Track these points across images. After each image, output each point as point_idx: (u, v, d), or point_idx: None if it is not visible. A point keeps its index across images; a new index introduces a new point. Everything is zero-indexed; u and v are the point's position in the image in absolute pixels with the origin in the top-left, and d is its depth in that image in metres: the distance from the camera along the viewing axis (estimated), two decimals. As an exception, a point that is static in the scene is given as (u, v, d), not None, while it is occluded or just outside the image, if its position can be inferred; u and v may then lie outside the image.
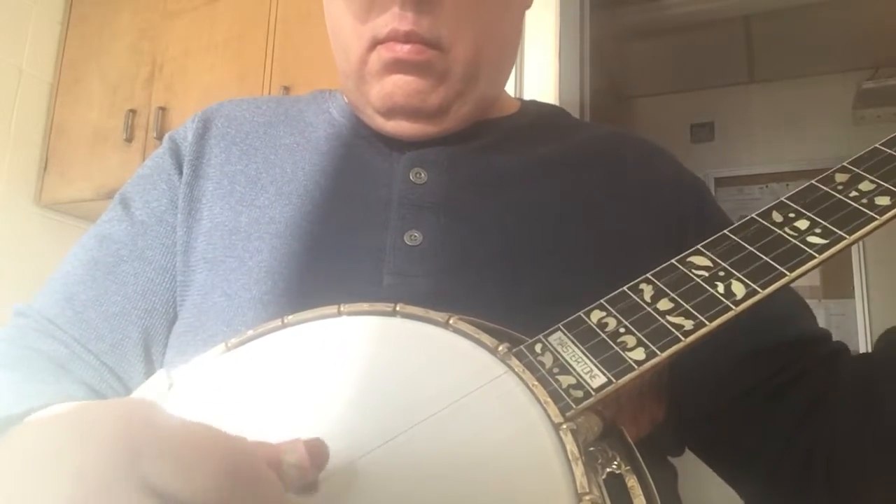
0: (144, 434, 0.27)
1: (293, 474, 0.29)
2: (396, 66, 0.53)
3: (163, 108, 1.94)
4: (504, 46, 0.59)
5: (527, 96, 1.27)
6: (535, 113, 0.65)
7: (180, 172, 0.59)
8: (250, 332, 0.41)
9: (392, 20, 0.52)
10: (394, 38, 0.52)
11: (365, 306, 0.41)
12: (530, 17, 1.60)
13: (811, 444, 0.48)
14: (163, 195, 0.58)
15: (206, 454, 0.27)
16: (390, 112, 0.55)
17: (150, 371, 0.54)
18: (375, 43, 0.54)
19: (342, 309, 0.41)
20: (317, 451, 0.31)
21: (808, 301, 0.56)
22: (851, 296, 2.64)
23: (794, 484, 0.49)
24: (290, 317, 0.41)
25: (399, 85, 0.54)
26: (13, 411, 0.36)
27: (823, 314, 2.57)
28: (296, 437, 0.30)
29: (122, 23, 2.10)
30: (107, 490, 0.25)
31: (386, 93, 0.54)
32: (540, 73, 1.57)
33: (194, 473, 0.26)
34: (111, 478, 0.25)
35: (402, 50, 0.52)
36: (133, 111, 1.98)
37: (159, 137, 1.89)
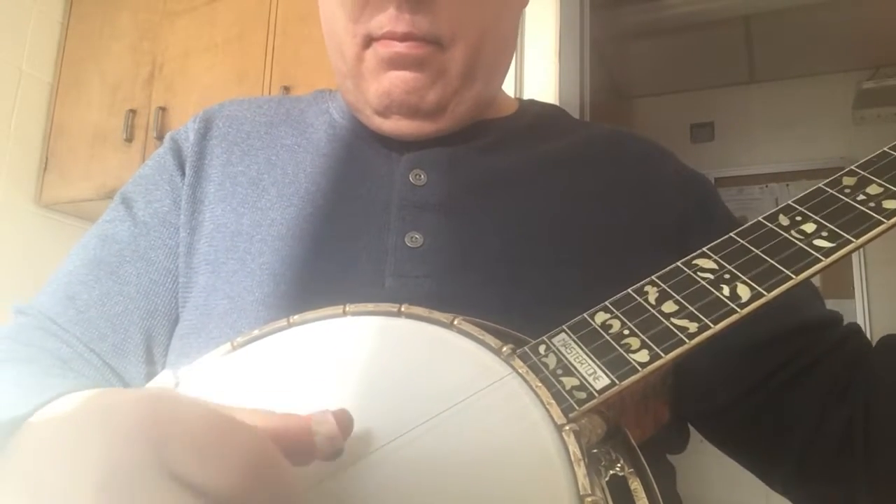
0: (169, 422, 0.27)
1: (325, 444, 0.31)
2: (393, 61, 0.53)
3: (163, 108, 1.94)
4: (502, 46, 0.59)
5: (527, 96, 1.27)
6: (535, 113, 0.65)
7: (182, 173, 0.59)
8: (256, 332, 0.41)
9: (388, 22, 0.52)
10: (390, 38, 0.52)
11: (370, 307, 0.41)
12: (530, 17, 1.61)
13: (847, 418, 0.48)
14: (166, 196, 0.58)
15: (231, 445, 0.27)
16: (388, 110, 0.55)
17: (151, 373, 0.54)
18: (370, 40, 0.54)
19: (347, 309, 0.41)
20: (344, 420, 0.32)
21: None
22: (851, 296, 2.64)
23: (830, 462, 0.49)
24: (295, 317, 0.41)
25: (396, 83, 0.54)
26: (38, 400, 0.36)
27: (823, 314, 2.56)
28: (323, 409, 0.32)
29: (122, 23, 2.10)
30: (132, 477, 0.25)
31: (384, 90, 0.54)
32: (540, 73, 1.57)
33: (219, 464, 0.26)
34: (137, 465, 0.26)
35: (400, 45, 0.52)
36: (133, 111, 1.98)
37: (159, 137, 1.89)
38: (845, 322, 0.54)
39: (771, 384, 0.51)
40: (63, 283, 0.55)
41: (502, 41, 0.59)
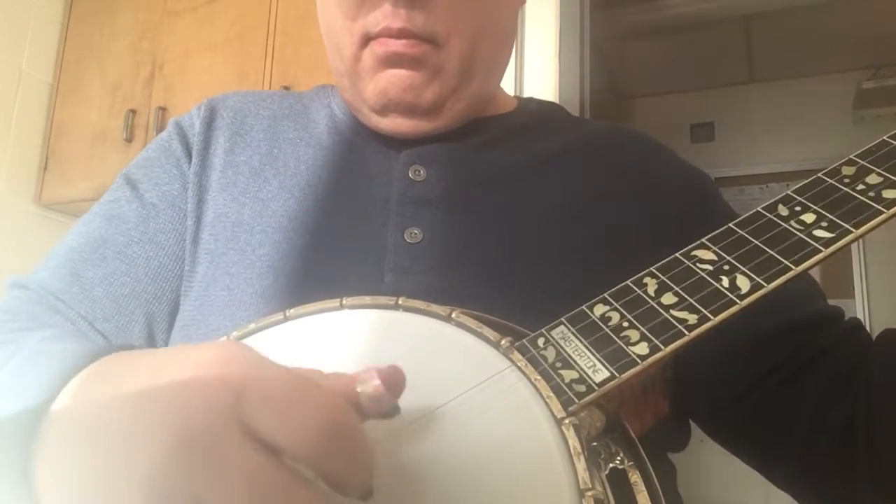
0: (247, 377, 0.27)
1: (370, 405, 0.30)
2: (390, 60, 0.53)
3: (163, 108, 1.94)
4: (499, 43, 0.59)
5: (526, 96, 1.28)
6: (534, 110, 0.65)
7: (189, 160, 0.58)
8: (252, 326, 0.41)
9: (384, 18, 0.52)
10: (387, 34, 0.52)
11: (367, 300, 0.41)
12: (530, 17, 1.61)
13: (849, 412, 0.48)
14: (174, 180, 0.58)
15: (307, 405, 0.27)
16: (385, 108, 0.55)
17: None
18: (367, 39, 0.54)
19: (344, 302, 0.41)
20: (391, 378, 0.31)
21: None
22: (851, 296, 2.64)
23: (832, 457, 0.49)
24: (291, 310, 0.41)
25: (393, 81, 0.53)
26: (81, 356, 0.34)
27: (824, 314, 2.57)
28: (370, 367, 0.31)
29: (122, 23, 2.10)
30: (211, 437, 0.25)
31: (380, 89, 0.54)
32: (540, 73, 1.57)
33: (296, 425, 0.26)
34: (215, 425, 0.26)
35: (396, 43, 0.52)
36: (133, 111, 1.98)
37: (159, 137, 1.89)
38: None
39: (772, 380, 0.51)
40: (65, 259, 0.54)
41: (499, 38, 0.59)
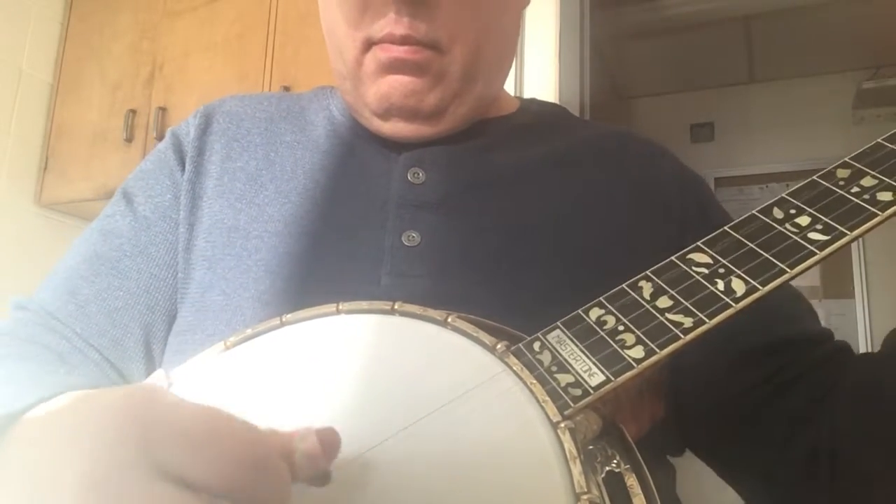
0: (156, 417, 0.27)
1: (305, 464, 0.29)
2: (393, 65, 0.53)
3: (163, 108, 1.94)
4: (502, 46, 0.59)
5: (527, 96, 1.27)
6: (535, 112, 0.65)
7: (183, 168, 0.59)
8: (249, 331, 0.41)
9: (387, 25, 0.52)
10: (390, 41, 0.52)
11: (364, 305, 0.41)
12: (530, 17, 1.61)
13: (815, 442, 0.47)
14: (166, 191, 0.58)
15: (222, 438, 0.27)
16: (387, 113, 0.55)
17: (150, 368, 0.54)
18: (370, 44, 0.54)
19: (341, 307, 0.41)
20: (329, 441, 0.30)
21: (807, 301, 0.55)
22: (851, 296, 2.64)
23: (797, 481, 0.48)
24: (288, 315, 0.41)
25: (395, 86, 0.53)
26: (33, 399, 0.35)
27: (823, 314, 2.56)
28: (307, 426, 0.30)
29: (122, 23, 2.10)
30: (119, 477, 0.25)
31: (382, 93, 0.54)
32: (540, 73, 1.57)
33: (209, 457, 0.26)
34: (124, 465, 0.25)
35: (399, 49, 0.52)
36: (133, 111, 1.99)
37: (159, 137, 1.90)
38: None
39: (752, 397, 0.51)
40: (63, 277, 0.55)
41: (503, 42, 0.58)
